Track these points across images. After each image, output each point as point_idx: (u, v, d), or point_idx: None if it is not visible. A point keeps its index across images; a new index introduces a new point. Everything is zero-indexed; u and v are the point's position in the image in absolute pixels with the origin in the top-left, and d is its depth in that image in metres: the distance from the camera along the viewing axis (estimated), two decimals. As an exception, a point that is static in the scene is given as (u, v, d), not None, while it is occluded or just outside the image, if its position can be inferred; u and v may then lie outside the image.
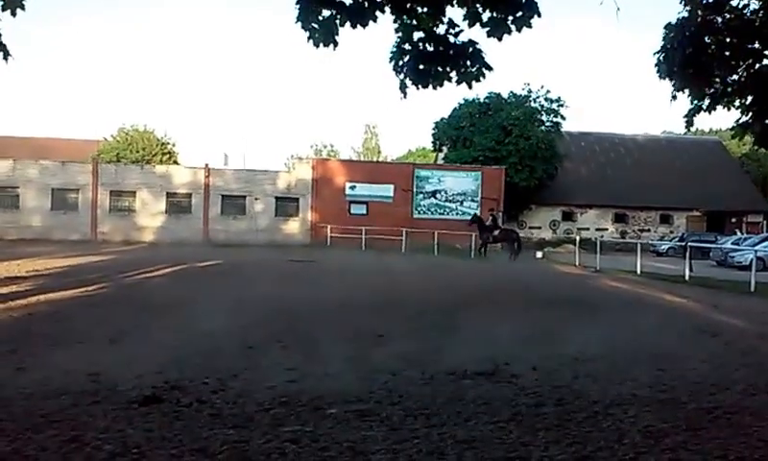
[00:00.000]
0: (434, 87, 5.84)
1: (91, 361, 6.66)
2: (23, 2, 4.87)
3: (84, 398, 5.33)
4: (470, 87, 5.92)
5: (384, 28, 6.58)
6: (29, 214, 35.28)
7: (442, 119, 44.15)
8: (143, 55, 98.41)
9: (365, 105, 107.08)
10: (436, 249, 31.55)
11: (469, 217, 31.98)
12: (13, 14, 4.85)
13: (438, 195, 38.64)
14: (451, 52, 5.77)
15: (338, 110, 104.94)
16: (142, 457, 4.09)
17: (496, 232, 29.63)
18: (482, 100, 42.29)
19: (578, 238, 29.34)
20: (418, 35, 5.78)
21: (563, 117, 43.37)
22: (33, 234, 33.98)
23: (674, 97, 7.57)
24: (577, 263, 25.88)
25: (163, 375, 6.16)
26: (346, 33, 5.52)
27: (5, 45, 4.92)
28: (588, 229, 44.33)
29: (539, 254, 31.84)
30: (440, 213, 37.96)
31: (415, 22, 5.70)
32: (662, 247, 38.58)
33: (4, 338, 7.73)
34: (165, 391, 5.58)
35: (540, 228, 45.40)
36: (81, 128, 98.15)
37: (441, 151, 47.03)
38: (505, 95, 42.96)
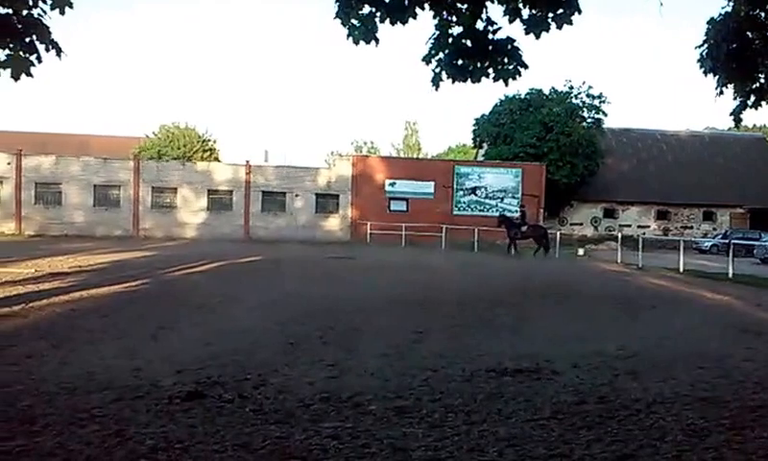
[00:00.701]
0: (471, 82, 5.81)
1: (133, 356, 6.80)
2: (71, 0, 4.97)
3: (126, 393, 5.43)
4: (507, 85, 5.87)
5: (424, 24, 6.50)
6: (72, 211, 36.02)
7: (482, 116, 43.87)
8: (185, 51, 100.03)
9: (405, 102, 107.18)
10: (476, 246, 31.36)
11: (498, 215, 31.56)
12: (62, 13, 4.95)
13: (478, 192, 38.42)
14: (489, 48, 5.73)
15: (378, 108, 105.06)
16: (185, 452, 4.14)
17: (524, 228, 29.11)
18: (523, 96, 41.89)
19: (620, 235, 28.82)
20: (456, 30, 5.75)
21: (604, 113, 42.66)
22: (75, 231, 34.76)
23: (721, 92, 7.39)
24: (618, 261, 25.45)
25: (205, 370, 6.25)
26: (385, 29, 5.53)
27: (57, 43, 5.03)
28: (629, 226, 43.56)
29: (580, 252, 31.39)
30: (480, 210, 37.73)
31: (454, 18, 5.66)
32: (705, 244, 37.72)
33: (48, 333, 7.93)
34: (207, 386, 5.66)
35: (581, 224, 44.79)
36: (123, 125, 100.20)
37: (481, 147, 46.72)
38: (546, 91, 42.49)
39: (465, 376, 6.37)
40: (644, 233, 34.56)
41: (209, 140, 45.61)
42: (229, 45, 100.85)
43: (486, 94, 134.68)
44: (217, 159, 43.53)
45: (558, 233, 31.29)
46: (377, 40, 5.61)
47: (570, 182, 40.62)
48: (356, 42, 5.59)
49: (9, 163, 35.38)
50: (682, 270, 21.16)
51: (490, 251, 28.43)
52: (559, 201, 41.79)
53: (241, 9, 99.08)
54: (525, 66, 5.79)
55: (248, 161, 38.06)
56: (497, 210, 36.81)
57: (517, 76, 5.75)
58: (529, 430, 4.76)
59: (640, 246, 24.47)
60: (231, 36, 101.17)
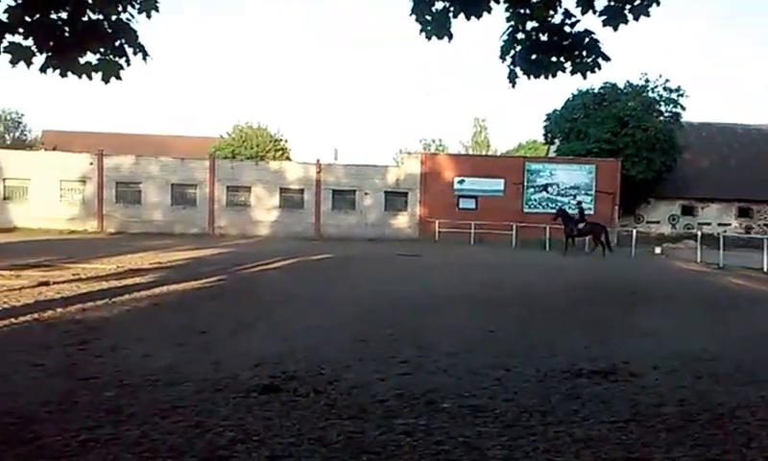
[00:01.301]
0: (546, 77, 5.70)
1: (212, 351, 7.00)
2: (157, 4, 5.14)
3: (206, 385, 5.58)
4: (585, 78, 5.74)
5: (494, 19, 6.39)
6: (151, 209, 37.27)
7: (554, 111, 43.02)
8: (257, 53, 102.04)
9: (474, 99, 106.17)
10: (547, 244, 30.83)
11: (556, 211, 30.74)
12: (149, 16, 5.13)
13: (549, 189, 37.71)
14: (566, 42, 5.61)
15: (446, 105, 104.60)
16: (262, 445, 4.23)
17: (581, 225, 27.82)
18: (596, 91, 40.84)
19: (699, 233, 27.75)
20: (531, 24, 5.65)
21: (682, 107, 41.16)
22: (154, 228, 35.97)
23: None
24: (698, 260, 24.54)
25: (280, 365, 6.37)
26: (456, 25, 5.49)
27: (143, 46, 5.21)
28: (709, 223, 41.89)
29: (657, 250, 30.42)
30: (551, 207, 36.97)
31: (528, 12, 5.58)
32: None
33: (131, 327, 8.24)
34: (282, 381, 5.77)
35: (658, 222, 43.35)
36: (199, 126, 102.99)
37: (553, 143, 45.85)
38: (621, 85, 41.29)
39: (538, 376, 6.27)
40: (725, 231, 33.15)
41: (281, 140, 46.49)
42: (299, 45, 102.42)
43: (558, 89, 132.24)
44: (288, 159, 44.34)
45: (634, 231, 30.40)
46: (450, 36, 5.58)
47: (647, 179, 39.39)
48: (429, 38, 5.57)
49: (91, 164, 36.89)
50: (766, 269, 20.25)
51: (562, 249, 27.86)
52: (635, 198, 40.59)
53: (310, 9, 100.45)
54: (606, 58, 5.64)
55: (318, 160, 38.57)
56: (570, 208, 36.23)
57: (597, 68, 5.61)
58: (606, 432, 4.65)
59: (721, 244, 23.50)
60: (301, 35, 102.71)
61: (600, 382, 6.05)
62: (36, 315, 8.66)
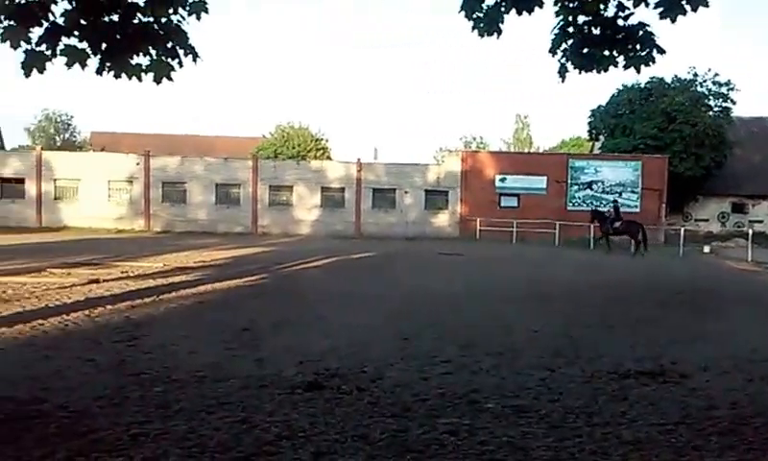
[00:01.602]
0: (598, 72, 5.60)
1: (257, 347, 7.09)
2: (206, 6, 5.22)
3: (251, 382, 5.67)
4: (639, 72, 5.61)
5: (542, 13, 6.27)
6: (195, 208, 37.81)
7: (599, 107, 42.25)
8: (298, 53, 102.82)
9: (515, 95, 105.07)
10: (591, 243, 30.37)
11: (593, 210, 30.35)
12: (198, 18, 5.20)
13: (594, 186, 37.04)
14: (619, 35, 5.50)
15: (487, 102, 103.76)
16: (307, 441, 4.27)
17: (617, 224, 27.28)
18: (643, 85, 39.97)
19: (750, 232, 26.98)
20: (582, 17, 5.56)
21: (732, 102, 40.06)
22: (198, 227, 36.48)
23: None
24: (749, 259, 23.88)
25: (323, 362, 6.42)
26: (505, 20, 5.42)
27: (193, 48, 5.30)
28: (761, 221, 40.69)
29: (706, 249, 29.67)
30: (596, 205, 36.36)
31: (579, 5, 5.48)
32: None
33: (177, 324, 8.40)
34: (326, 378, 5.81)
35: (707, 220, 42.24)
36: (241, 126, 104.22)
37: (597, 140, 45.05)
38: (668, 80, 40.35)
39: (584, 376, 6.19)
40: (777, 229, 32.20)
41: (322, 139, 46.77)
42: (338, 45, 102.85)
43: (603, 84, 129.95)
44: (329, 158, 44.56)
45: (682, 230, 29.69)
46: (500, 32, 5.53)
47: (695, 176, 38.43)
48: (481, 35, 5.52)
49: (138, 164, 37.62)
50: (821, 269, 19.61)
51: (604, 248, 27.39)
52: (683, 195, 39.64)
53: (348, 8, 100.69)
54: (662, 51, 5.50)
55: (359, 159, 38.65)
56: (609, 205, 35.72)
57: (652, 62, 5.48)
58: (655, 435, 4.57)
59: (773, 243, 22.84)
60: (339, 35, 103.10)
61: (648, 383, 5.94)
62: (86, 312, 8.90)
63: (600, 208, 30.17)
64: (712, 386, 5.93)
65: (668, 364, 6.65)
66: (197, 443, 4.18)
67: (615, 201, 31.25)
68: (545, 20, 5.82)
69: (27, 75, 5.00)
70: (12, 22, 4.91)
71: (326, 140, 47.32)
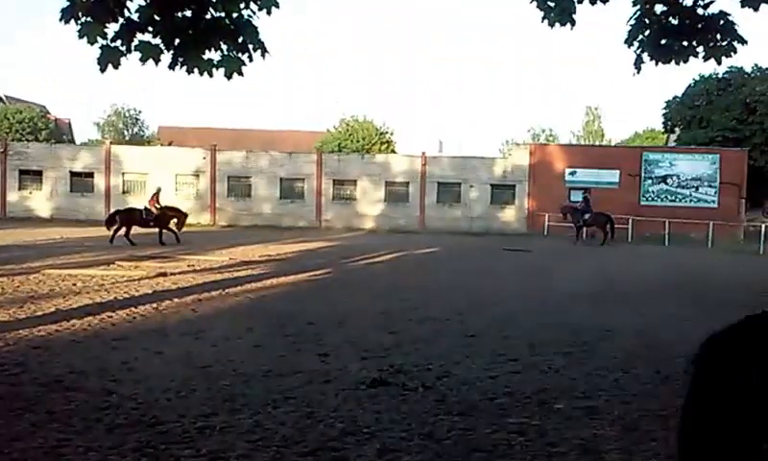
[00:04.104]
0: (677, 63, 5.33)
1: (322, 342, 7.08)
2: (277, 0, 5.22)
3: (315, 377, 5.65)
4: (719, 63, 5.31)
5: (618, 3, 6.01)
6: (260, 202, 38.21)
7: (674, 98, 40.81)
8: (363, 45, 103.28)
9: (585, 87, 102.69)
10: (667, 239, 29.33)
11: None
12: (269, 13, 5.21)
13: (669, 180, 35.70)
14: (699, 25, 5.21)
15: (556, 93, 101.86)
16: (372, 438, 4.21)
17: (587, 216, 27.92)
18: (720, 75, 38.30)
19: (837, 228, 25.55)
20: (660, 7, 5.29)
21: (819, 91, 38.04)
22: (263, 221, 36.84)
23: None
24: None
25: (388, 358, 6.36)
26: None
27: (263, 43, 5.31)
28: None
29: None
30: (671, 200, 35.04)
31: None
32: None
33: (243, 318, 8.48)
34: (391, 374, 5.73)
35: (788, 216, 40.33)
36: (306, 120, 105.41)
37: (672, 132, 43.51)
38: (748, 69, 38.59)
39: (659, 377, 5.93)
40: None
41: (386, 132, 46.73)
42: (404, 37, 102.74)
43: (678, 75, 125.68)
44: (393, 151, 44.44)
45: (763, 226, 28.30)
46: (573, 22, 5.33)
47: (776, 169, 36.70)
48: (552, 25, 5.35)
49: (204, 158, 38.33)
50: None
51: (683, 244, 26.45)
52: (763, 190, 37.87)
53: (412, 1, 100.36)
54: (743, 41, 5.20)
55: (423, 153, 38.43)
56: (691, 200, 34.43)
57: (733, 53, 5.19)
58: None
59: None
60: (405, 27, 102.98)
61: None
62: (154, 305, 9.09)
63: (572, 203, 30.48)
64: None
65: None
66: (262, 436, 4.18)
67: (585, 194, 30.66)
68: (620, 9, 5.58)
69: (103, 70, 5.10)
70: (89, 19, 5.02)
71: (391, 133, 47.23)
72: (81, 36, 4.99)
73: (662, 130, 46.54)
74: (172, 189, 38.02)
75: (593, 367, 6.26)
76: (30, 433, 4.16)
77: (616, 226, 28.23)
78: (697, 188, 34.98)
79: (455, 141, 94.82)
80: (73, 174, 37.94)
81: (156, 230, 20.54)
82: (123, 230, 19.82)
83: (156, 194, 22.15)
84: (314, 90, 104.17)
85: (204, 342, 6.95)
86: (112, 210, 23.99)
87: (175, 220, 21.59)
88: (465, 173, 37.23)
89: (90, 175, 37.97)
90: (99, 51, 5.06)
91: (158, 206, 21.31)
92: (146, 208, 21.32)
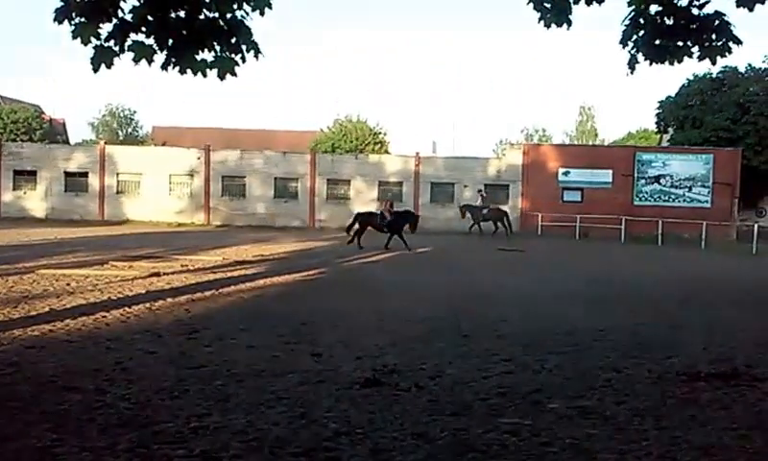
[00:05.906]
0: (671, 63, 5.36)
1: (315, 342, 7.09)
2: (270, 1, 5.23)
3: (309, 377, 5.66)
4: (714, 63, 5.34)
5: (612, 3, 6.03)
6: (254, 202, 38.21)
7: (668, 98, 40.92)
8: (355, 46, 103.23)
9: (578, 86, 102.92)
10: (660, 239, 29.43)
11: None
12: (262, 14, 5.22)
13: (662, 180, 35.81)
14: (693, 25, 5.23)
15: (549, 94, 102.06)
16: (366, 438, 4.22)
17: (485, 211, 30.90)
18: (714, 75, 38.39)
19: (830, 228, 25.66)
20: (655, 7, 5.32)
21: (812, 91, 38.15)
22: (257, 221, 36.88)
23: None
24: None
25: (381, 358, 6.38)
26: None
27: (256, 44, 5.32)
28: (843, 217, 38.73)
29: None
30: (664, 200, 35.16)
31: None
32: None
33: (236, 318, 8.47)
34: (384, 374, 5.75)
35: (781, 216, 40.44)
36: (300, 120, 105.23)
37: (666, 132, 43.62)
38: (741, 69, 38.70)
39: (652, 378, 5.96)
40: None
41: (380, 133, 46.69)
42: (399, 38, 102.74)
43: (671, 75, 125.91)
44: (387, 152, 44.43)
45: (755, 226, 28.40)
46: (570, 23, 5.35)
47: (770, 169, 36.81)
48: (548, 26, 5.37)
49: (198, 158, 38.24)
50: None
51: (676, 245, 26.54)
52: (757, 190, 37.97)
53: (407, 3, 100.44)
54: (738, 42, 5.23)
55: (417, 153, 38.49)
56: (685, 200, 34.54)
57: (728, 53, 5.22)
58: (728, 440, 4.36)
59: None
60: (398, 29, 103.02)
61: (720, 386, 5.66)
62: (147, 305, 9.08)
63: (471, 203, 32.74)
64: (791, 391, 5.62)
65: (742, 367, 6.34)
66: (255, 437, 4.19)
67: (481, 191, 33.28)
68: (614, 9, 5.61)
69: (95, 70, 5.11)
70: (83, 19, 5.02)
71: (385, 134, 47.18)
72: (74, 37, 5.00)
73: (656, 130, 46.67)
74: (166, 189, 38.01)
75: (586, 366, 6.29)
76: (23, 433, 4.16)
77: (610, 226, 28.42)
78: (690, 188, 35.13)
79: (449, 142, 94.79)
80: (67, 174, 37.85)
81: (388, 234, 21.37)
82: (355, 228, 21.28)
83: (390, 201, 25.12)
84: (309, 90, 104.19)
85: (197, 342, 6.95)
86: (354, 212, 24.92)
87: (406, 225, 22.13)
88: (458, 173, 37.32)
89: (85, 175, 37.92)
90: (92, 51, 5.06)
91: (391, 212, 22.46)
92: (381, 213, 22.54)
